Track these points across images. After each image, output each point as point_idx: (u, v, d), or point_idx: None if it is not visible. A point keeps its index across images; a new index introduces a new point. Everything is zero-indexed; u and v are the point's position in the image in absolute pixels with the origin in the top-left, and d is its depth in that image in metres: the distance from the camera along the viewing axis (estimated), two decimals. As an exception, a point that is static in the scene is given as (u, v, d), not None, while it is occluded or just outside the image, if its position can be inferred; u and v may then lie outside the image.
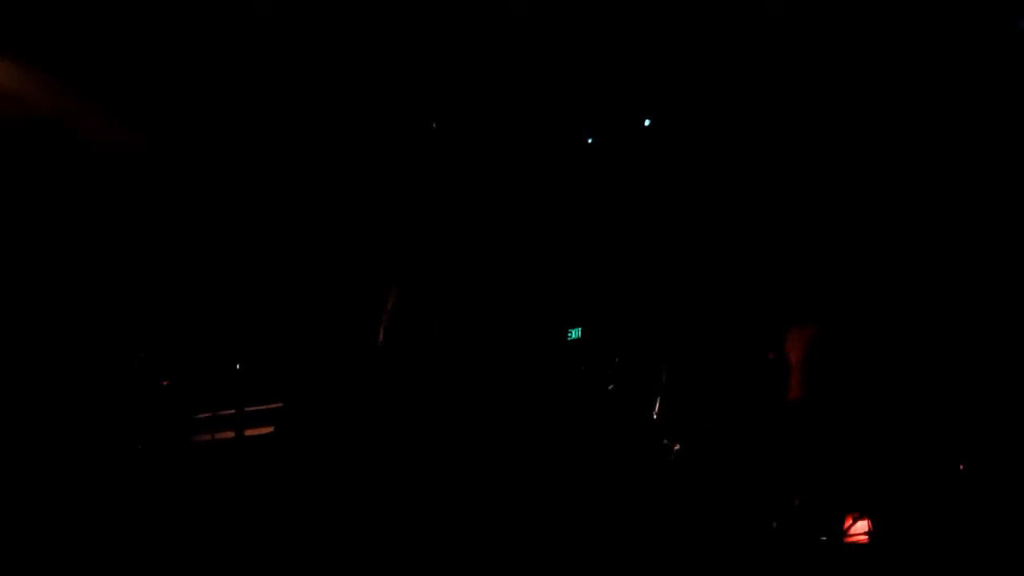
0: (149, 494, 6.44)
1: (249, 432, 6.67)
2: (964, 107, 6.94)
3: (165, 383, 6.66)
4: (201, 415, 6.75)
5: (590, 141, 7.26)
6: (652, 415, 6.93)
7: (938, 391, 6.75)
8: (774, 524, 6.54)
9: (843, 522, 6.55)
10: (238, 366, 6.72)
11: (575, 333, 7.21)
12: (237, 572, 6.20)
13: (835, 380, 6.96)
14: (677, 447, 6.87)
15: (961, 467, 6.49)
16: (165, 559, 6.20)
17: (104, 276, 6.85)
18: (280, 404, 6.78)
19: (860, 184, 7.21)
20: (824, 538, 6.54)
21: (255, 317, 7.01)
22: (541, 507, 6.63)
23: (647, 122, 7.14)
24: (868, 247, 7.17)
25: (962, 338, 6.85)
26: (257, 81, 7.15)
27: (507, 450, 6.86)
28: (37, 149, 7.00)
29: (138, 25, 6.88)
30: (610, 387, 7.07)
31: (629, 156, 7.34)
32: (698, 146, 7.36)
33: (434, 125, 6.97)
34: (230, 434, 6.69)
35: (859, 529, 6.52)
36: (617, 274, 7.39)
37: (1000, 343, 6.78)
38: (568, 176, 7.37)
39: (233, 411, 6.69)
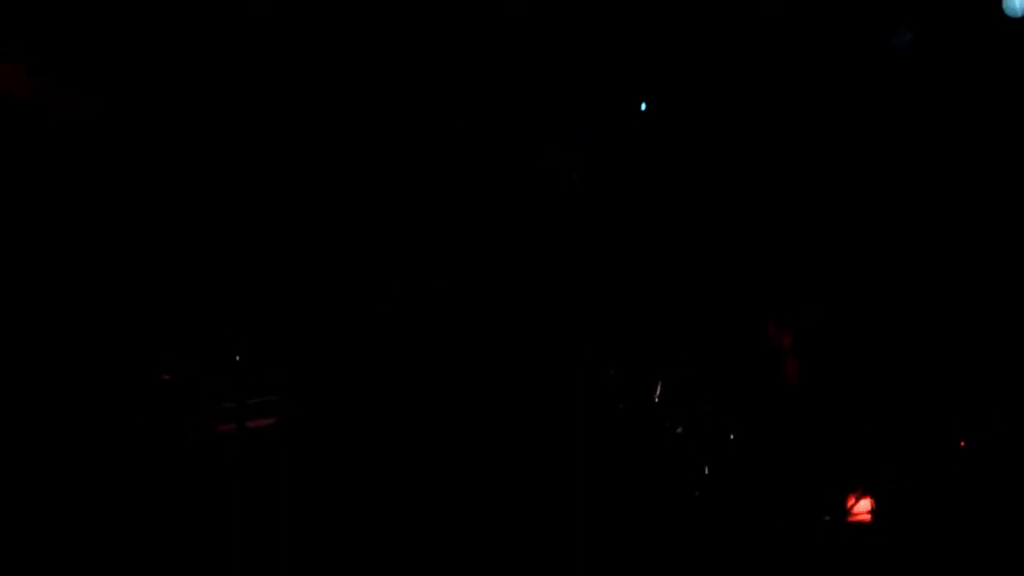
0: (150, 488, 6.41)
1: (250, 424, 6.67)
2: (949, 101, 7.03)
3: (166, 377, 6.64)
4: (202, 408, 6.73)
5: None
6: (653, 398, 6.96)
7: (938, 368, 6.79)
8: (777, 504, 6.58)
9: (846, 501, 6.59)
10: (238, 358, 6.70)
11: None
12: (239, 565, 6.20)
13: (834, 360, 7.00)
14: (679, 430, 6.90)
15: (963, 443, 6.53)
16: (166, 553, 6.20)
17: (99, 267, 6.81)
18: (281, 396, 6.78)
19: (845, 173, 7.27)
20: (827, 518, 6.58)
21: (254, 308, 6.98)
22: (543, 487, 6.66)
23: (643, 106, 7.14)
24: (862, 231, 7.21)
25: (961, 314, 6.89)
26: (255, 74, 7.15)
27: (507, 434, 6.87)
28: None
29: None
30: (611, 371, 7.08)
31: (626, 143, 7.37)
32: (691, 140, 7.41)
33: None
34: (231, 427, 6.68)
35: (862, 508, 6.55)
36: (613, 261, 7.40)
37: (999, 319, 6.83)
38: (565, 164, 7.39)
39: (234, 404, 6.68)
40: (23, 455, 6.25)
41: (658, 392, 6.98)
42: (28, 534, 6.01)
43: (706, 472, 6.80)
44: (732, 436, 6.92)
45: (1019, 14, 6.73)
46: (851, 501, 6.58)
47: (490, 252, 7.32)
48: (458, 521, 6.47)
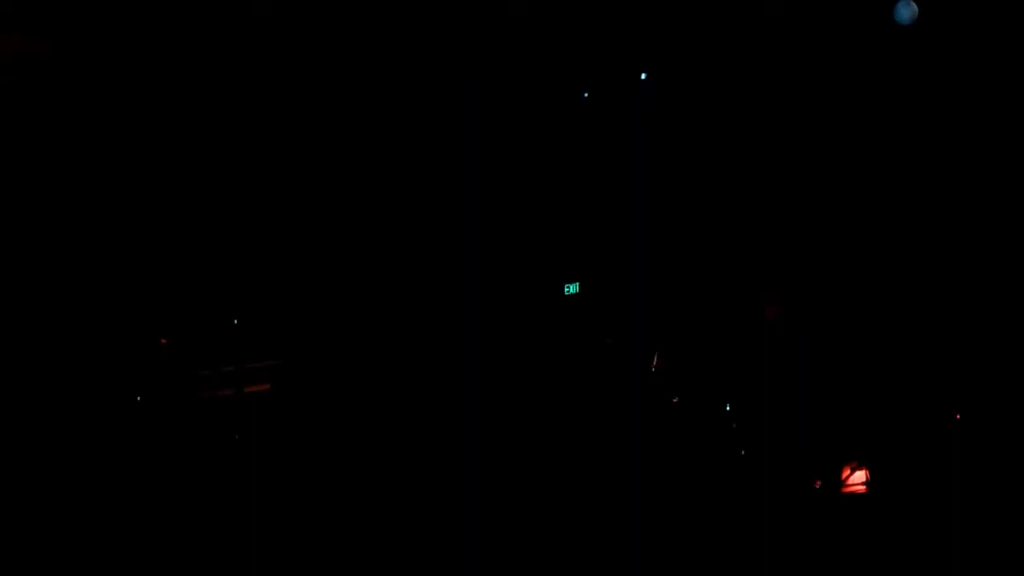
0: (150, 451, 6.38)
1: (249, 389, 6.63)
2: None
3: (164, 341, 6.59)
4: (201, 372, 6.69)
5: (586, 95, 7.30)
6: (650, 368, 6.97)
7: (932, 341, 6.85)
8: (773, 473, 6.62)
9: (841, 472, 6.65)
10: (236, 321, 6.66)
11: (572, 288, 7.23)
12: (236, 527, 6.20)
13: (828, 335, 7.04)
14: (676, 399, 6.92)
15: (958, 416, 6.60)
16: (166, 516, 6.19)
17: (100, 235, 6.78)
18: (279, 360, 6.75)
19: (844, 152, 7.33)
20: (822, 488, 6.63)
21: (253, 273, 6.96)
22: (542, 455, 6.69)
23: (643, 75, 7.15)
24: (859, 206, 7.27)
25: (954, 289, 6.95)
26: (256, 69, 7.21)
27: (508, 404, 6.88)
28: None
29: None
30: (608, 341, 7.09)
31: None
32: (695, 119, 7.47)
33: None
34: (229, 391, 6.65)
35: (857, 479, 6.61)
36: (614, 235, 7.41)
37: (994, 293, 6.89)
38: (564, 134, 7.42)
39: (232, 368, 6.64)
40: (26, 419, 6.23)
41: (655, 363, 7.00)
42: (32, 486, 6.01)
43: (703, 442, 6.84)
44: (728, 407, 6.96)
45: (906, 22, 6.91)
46: (846, 472, 6.64)
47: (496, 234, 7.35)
48: (455, 488, 6.50)
